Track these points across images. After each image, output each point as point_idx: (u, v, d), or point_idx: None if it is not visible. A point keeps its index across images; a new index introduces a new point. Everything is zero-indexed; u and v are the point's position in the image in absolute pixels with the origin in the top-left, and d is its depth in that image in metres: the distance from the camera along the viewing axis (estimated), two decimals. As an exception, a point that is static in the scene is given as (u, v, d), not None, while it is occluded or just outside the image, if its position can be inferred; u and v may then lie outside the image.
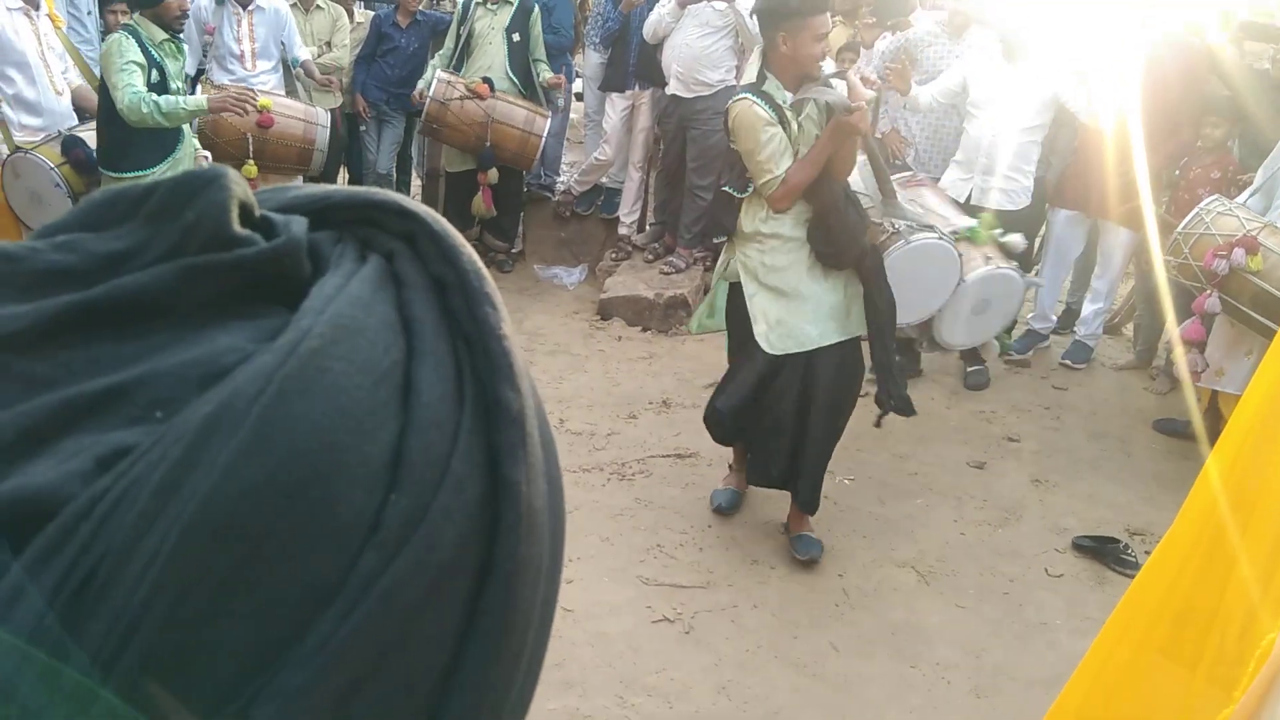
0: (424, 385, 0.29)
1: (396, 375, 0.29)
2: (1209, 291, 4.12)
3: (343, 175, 6.46)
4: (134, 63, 3.79)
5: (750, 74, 3.34)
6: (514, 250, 6.19)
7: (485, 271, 0.33)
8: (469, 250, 0.33)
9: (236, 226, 0.29)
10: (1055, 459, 4.52)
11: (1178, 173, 5.06)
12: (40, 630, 0.24)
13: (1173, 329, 4.57)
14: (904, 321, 3.77)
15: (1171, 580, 1.46)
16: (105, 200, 0.31)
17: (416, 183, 7.08)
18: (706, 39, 5.40)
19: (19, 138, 4.21)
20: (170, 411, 0.27)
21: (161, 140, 4.02)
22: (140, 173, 3.93)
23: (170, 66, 3.99)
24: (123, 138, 3.93)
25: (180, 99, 3.99)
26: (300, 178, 5.53)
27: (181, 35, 4.16)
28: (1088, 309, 5.44)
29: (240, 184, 0.30)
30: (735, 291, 3.46)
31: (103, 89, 3.95)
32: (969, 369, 5.09)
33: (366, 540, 0.28)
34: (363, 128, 6.07)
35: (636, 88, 5.99)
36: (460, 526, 0.29)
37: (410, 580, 0.28)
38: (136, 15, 4.00)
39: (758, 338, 3.34)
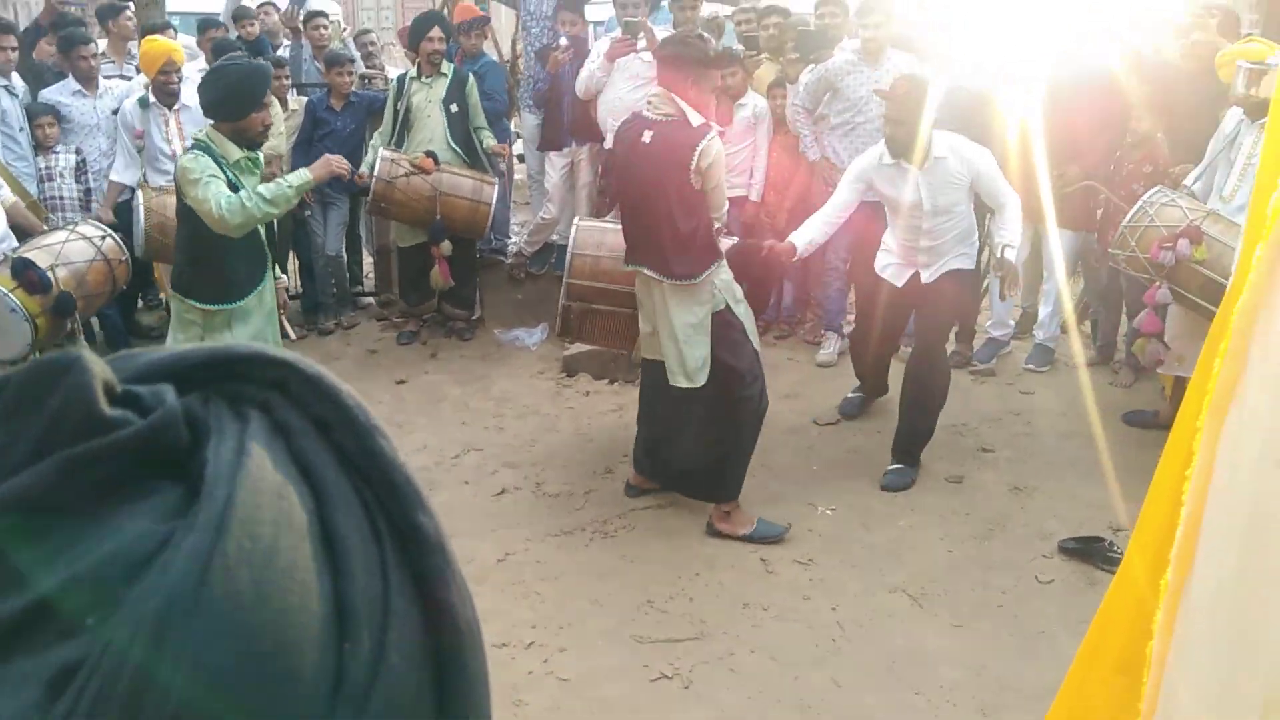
0: (343, 531, 0.29)
1: (316, 527, 0.29)
2: (1158, 283, 4.20)
3: (292, 260, 6.44)
4: (214, 175, 3.50)
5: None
6: (473, 317, 6.18)
7: (365, 404, 0.33)
8: (347, 387, 0.33)
9: (105, 408, 0.28)
10: (1031, 464, 4.55)
11: (1112, 168, 5.18)
12: None
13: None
14: None
15: (1140, 596, 1.46)
16: None
17: (368, 260, 7.07)
18: (638, 91, 5.44)
19: None
20: (102, 616, 0.25)
21: (250, 268, 3.74)
22: (232, 304, 3.72)
23: (247, 183, 3.63)
24: (211, 269, 3.68)
25: (280, 180, 3.70)
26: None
27: (259, 150, 3.78)
28: (1042, 312, 5.54)
29: (99, 363, 0.29)
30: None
31: (182, 215, 3.68)
32: (892, 465, 4.43)
33: (335, 695, 0.27)
34: (307, 212, 6.05)
35: (574, 144, 6.05)
36: (412, 660, 0.29)
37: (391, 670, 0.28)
38: (209, 129, 3.66)
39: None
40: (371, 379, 5.61)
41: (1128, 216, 4.34)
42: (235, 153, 3.61)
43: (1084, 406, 5.02)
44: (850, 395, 5.13)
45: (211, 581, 0.26)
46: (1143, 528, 1.58)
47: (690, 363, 3.74)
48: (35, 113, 5.26)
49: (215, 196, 3.46)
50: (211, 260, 3.67)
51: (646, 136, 3.62)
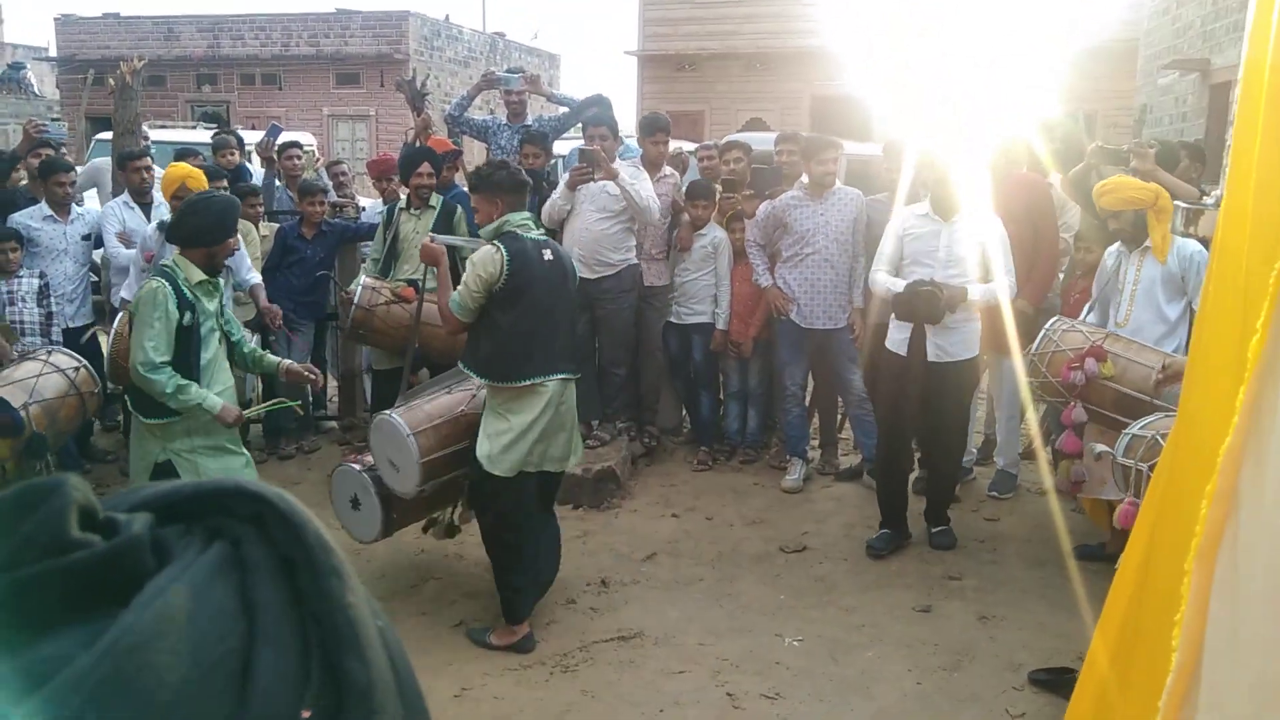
0: (262, 669, 0.29)
1: (231, 661, 0.29)
2: (1073, 404, 4.37)
3: (257, 384, 6.38)
4: (162, 319, 3.66)
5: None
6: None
7: (331, 544, 0.34)
8: (315, 525, 0.34)
9: (75, 531, 0.30)
10: (999, 593, 4.50)
11: (1057, 298, 5.34)
12: None
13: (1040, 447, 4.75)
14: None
15: (1102, 680, 1.43)
16: None
17: (332, 384, 7.04)
18: (604, 221, 5.59)
19: None
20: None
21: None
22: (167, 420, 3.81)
23: (207, 305, 3.83)
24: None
25: (201, 392, 3.75)
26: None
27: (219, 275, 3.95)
28: (1002, 438, 5.63)
29: (82, 488, 0.31)
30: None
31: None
32: (934, 529, 4.98)
33: None
34: (271, 338, 6.05)
35: None
36: None
37: None
38: (177, 255, 3.81)
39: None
40: (329, 505, 5.50)
41: (1034, 345, 4.54)
42: (198, 275, 3.79)
43: (1048, 533, 5.02)
44: (879, 534, 4.97)
45: (78, 708, 0.26)
46: (1129, 680, 1.55)
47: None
48: (2, 235, 5.28)
49: (147, 349, 3.67)
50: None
51: (548, 254, 3.94)
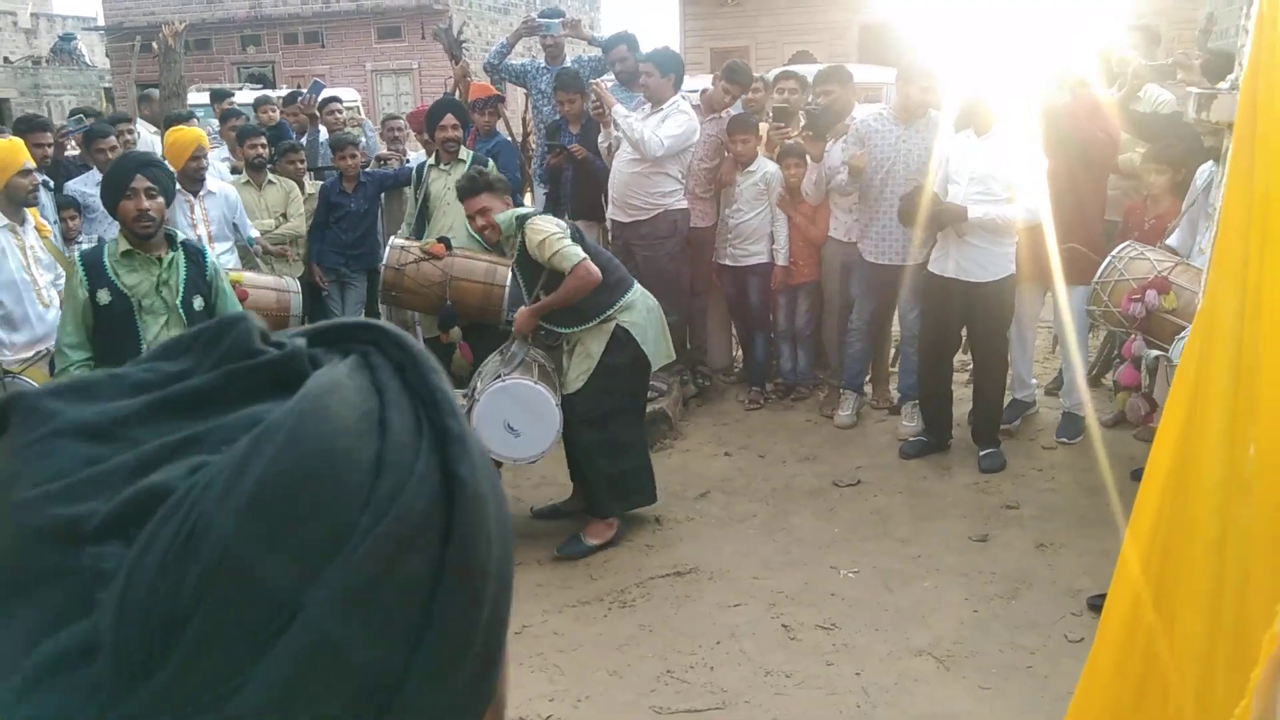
0: (393, 421, 0.42)
1: (374, 416, 0.42)
2: (1133, 335, 4.20)
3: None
4: (70, 297, 3.45)
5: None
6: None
7: (430, 355, 0.47)
8: (419, 344, 0.47)
9: (259, 344, 0.44)
10: (1057, 521, 4.46)
11: (1118, 220, 5.15)
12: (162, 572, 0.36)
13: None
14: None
15: (1123, 641, 1.43)
16: (170, 343, 0.46)
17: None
18: (635, 164, 5.51)
19: (7, 356, 4.09)
20: (230, 446, 0.39)
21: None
22: None
23: (133, 279, 3.45)
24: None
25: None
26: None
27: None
28: (1065, 377, 5.41)
29: (258, 321, 0.46)
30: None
31: None
32: (982, 452, 5.06)
33: (364, 507, 0.39)
34: (324, 293, 6.14)
35: (567, 219, 6.11)
36: (426, 500, 0.41)
37: (394, 530, 0.40)
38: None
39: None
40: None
41: (1098, 272, 4.38)
42: (124, 246, 3.47)
43: (1108, 461, 4.94)
44: (913, 439, 5.25)
45: (290, 425, 0.39)
46: (1163, 588, 1.54)
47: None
48: (60, 205, 5.40)
49: (58, 332, 3.55)
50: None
51: None
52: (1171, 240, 4.49)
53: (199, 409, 0.41)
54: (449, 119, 5.74)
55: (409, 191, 5.91)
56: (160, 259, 3.48)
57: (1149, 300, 4.11)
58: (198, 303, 3.50)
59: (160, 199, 3.42)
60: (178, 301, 3.47)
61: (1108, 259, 4.38)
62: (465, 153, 5.79)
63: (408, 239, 5.61)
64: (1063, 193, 4.66)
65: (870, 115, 5.47)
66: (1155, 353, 3.99)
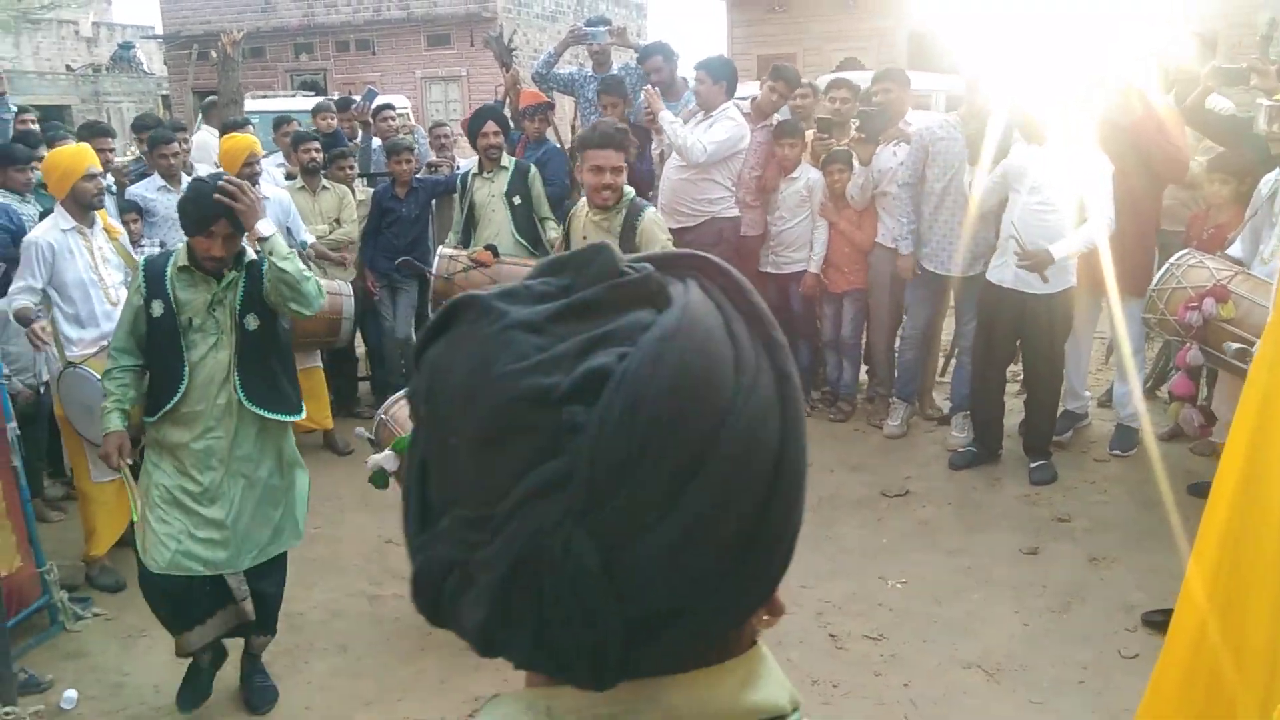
0: (739, 334, 0.54)
1: (723, 328, 0.54)
2: (1188, 344, 4.10)
3: (360, 344, 6.60)
4: (130, 300, 3.29)
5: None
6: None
7: (746, 279, 0.59)
8: (736, 271, 0.59)
9: (622, 266, 0.55)
10: (1110, 534, 4.40)
11: (1174, 230, 5.06)
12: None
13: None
14: None
15: (1188, 662, 1.41)
16: (550, 262, 0.58)
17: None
18: (683, 170, 5.53)
19: (74, 352, 4.22)
20: (633, 341, 0.51)
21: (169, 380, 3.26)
22: (148, 419, 3.28)
23: (191, 296, 3.22)
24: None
25: (108, 406, 3.23)
26: (318, 352, 5.66)
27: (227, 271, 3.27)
28: (1118, 390, 5.28)
29: (617, 249, 0.57)
30: None
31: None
32: (1033, 464, 5.00)
33: (735, 391, 0.52)
34: (376, 298, 6.23)
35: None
36: (768, 390, 0.54)
37: (755, 410, 0.52)
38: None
39: None
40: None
41: (1155, 280, 4.29)
42: (183, 260, 3.24)
43: (1163, 475, 4.86)
44: (963, 449, 5.21)
45: (682, 329, 0.51)
46: (1229, 612, 1.53)
47: None
48: (122, 209, 5.53)
49: (117, 324, 3.33)
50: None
51: None
52: (1233, 250, 4.38)
53: (592, 313, 0.53)
54: (490, 126, 5.80)
55: (456, 202, 5.96)
56: (220, 277, 3.24)
57: (1206, 309, 4.01)
58: (251, 322, 3.26)
59: (238, 237, 3.21)
60: (231, 323, 3.23)
61: (1165, 266, 4.29)
62: (508, 159, 5.83)
63: (455, 248, 5.67)
64: (1118, 200, 4.59)
65: (935, 123, 5.43)
66: (1238, 345, 3.85)
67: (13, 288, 4.26)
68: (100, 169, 4.46)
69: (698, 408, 0.50)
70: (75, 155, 4.38)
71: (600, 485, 0.49)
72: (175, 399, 3.22)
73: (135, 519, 3.30)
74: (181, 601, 3.29)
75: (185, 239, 3.25)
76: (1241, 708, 1.44)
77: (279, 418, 3.39)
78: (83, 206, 4.30)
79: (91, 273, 4.30)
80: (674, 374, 0.50)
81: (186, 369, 3.21)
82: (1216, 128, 4.97)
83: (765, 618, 0.61)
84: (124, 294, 4.39)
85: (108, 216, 4.69)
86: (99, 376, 3.85)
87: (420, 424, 0.57)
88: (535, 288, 0.56)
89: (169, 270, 3.23)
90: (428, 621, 0.58)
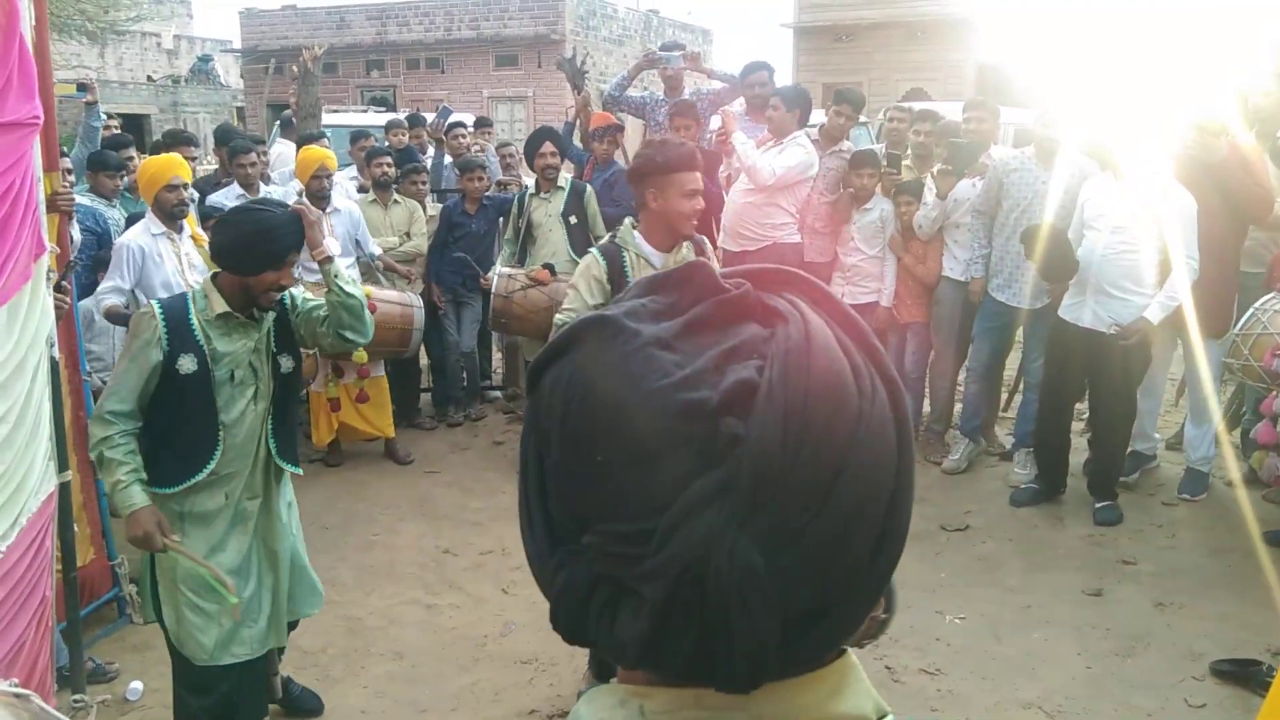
0: (846, 343, 0.57)
1: (835, 337, 0.57)
2: (1275, 392, 3.99)
3: (423, 356, 6.69)
4: (138, 355, 2.78)
5: None
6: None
7: (841, 302, 0.61)
8: (822, 284, 0.61)
9: (722, 283, 0.57)
10: (1178, 580, 4.29)
11: (1254, 271, 4.94)
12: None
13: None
14: None
15: None
16: (650, 281, 0.60)
17: (496, 355, 7.31)
18: (748, 194, 5.55)
19: None
20: (761, 355, 0.54)
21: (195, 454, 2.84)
22: (168, 489, 2.82)
23: (228, 345, 2.84)
24: (148, 434, 2.83)
25: (123, 482, 2.71)
26: (383, 362, 5.76)
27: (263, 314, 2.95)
28: (1190, 432, 5.13)
29: (713, 267, 0.60)
30: None
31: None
32: (1098, 504, 4.91)
33: (860, 399, 0.54)
34: (440, 311, 6.32)
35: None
36: (883, 395, 0.56)
37: (880, 414, 0.55)
38: (207, 280, 2.92)
39: None
40: (496, 469, 5.74)
41: (1239, 324, 4.18)
42: (221, 307, 2.83)
43: (1234, 521, 4.74)
44: (1024, 486, 5.15)
45: (807, 341, 0.54)
46: None
47: None
48: (204, 215, 5.68)
49: (107, 388, 2.80)
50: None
51: None
52: None
53: (709, 329, 0.55)
54: (547, 147, 5.89)
55: (510, 222, 6.03)
56: (259, 319, 2.91)
57: None
58: (286, 364, 2.96)
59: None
60: (268, 369, 2.92)
61: (1250, 311, 4.19)
62: (564, 179, 5.92)
63: (512, 266, 5.75)
64: (1201, 243, 4.50)
65: (1010, 155, 5.40)
66: None
67: (102, 287, 4.44)
68: (186, 180, 4.59)
69: (840, 413, 0.53)
70: (164, 165, 4.52)
71: (761, 492, 0.51)
72: (211, 465, 2.82)
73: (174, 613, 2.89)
74: (231, 697, 2.95)
75: (208, 278, 2.88)
76: None
77: (296, 471, 3.08)
78: (165, 215, 4.45)
79: (178, 276, 4.43)
80: (816, 383, 0.53)
81: (222, 430, 2.84)
82: None
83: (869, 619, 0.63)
84: None
85: (195, 224, 4.82)
86: None
87: (543, 439, 0.57)
88: (649, 305, 0.57)
89: (194, 319, 2.81)
90: (564, 640, 0.59)
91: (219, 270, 2.87)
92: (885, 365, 0.58)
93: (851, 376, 0.55)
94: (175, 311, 2.82)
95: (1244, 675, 3.50)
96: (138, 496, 2.70)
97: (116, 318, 4.35)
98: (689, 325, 0.55)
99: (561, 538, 0.57)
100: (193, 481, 2.82)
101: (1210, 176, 4.66)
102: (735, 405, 0.52)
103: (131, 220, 5.09)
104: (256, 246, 2.78)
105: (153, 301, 2.90)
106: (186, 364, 2.77)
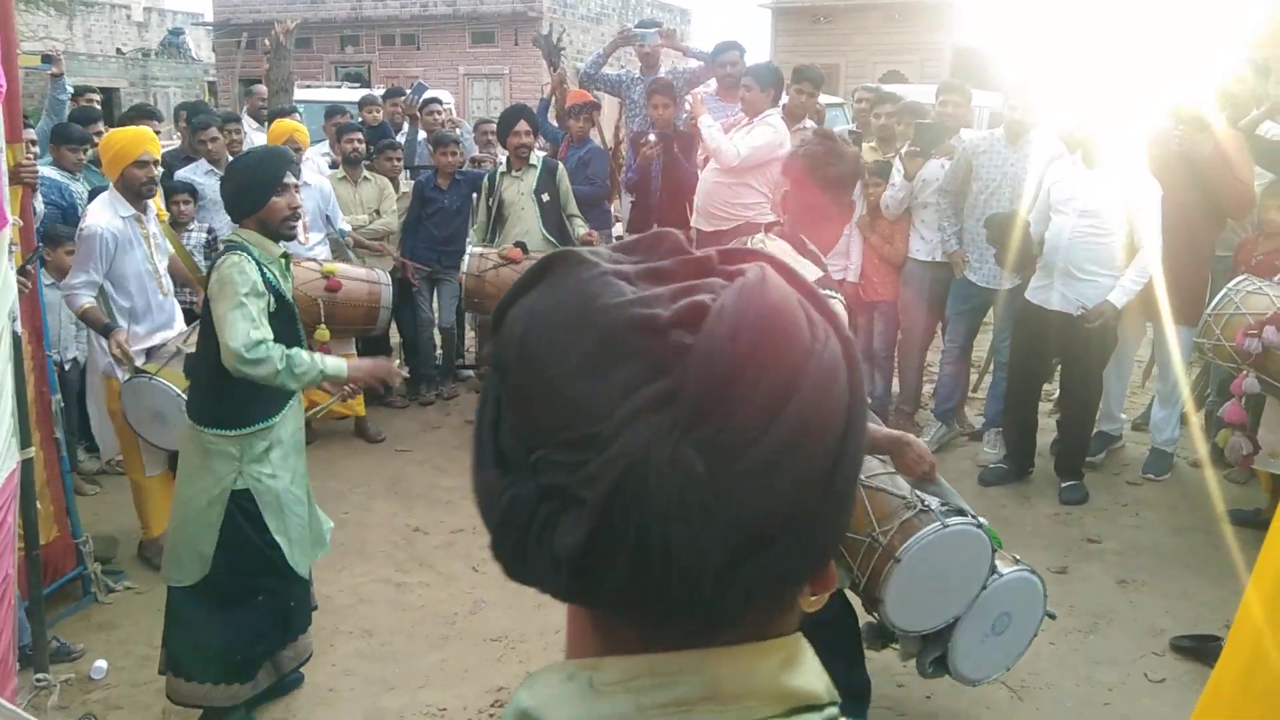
0: (806, 304, 0.57)
1: (794, 298, 0.57)
2: (1245, 372, 4.05)
3: (395, 334, 6.66)
4: (253, 297, 2.93)
5: None
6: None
7: (814, 286, 0.62)
8: (794, 264, 0.66)
9: (688, 247, 0.60)
10: (1140, 558, 4.36)
11: (1230, 253, 4.99)
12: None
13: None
14: (916, 628, 2.93)
15: (1245, 673, 1.40)
16: (624, 244, 0.61)
17: (469, 333, 7.28)
18: (719, 176, 5.54)
19: (131, 348, 4.00)
20: (716, 293, 0.55)
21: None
22: (249, 429, 3.06)
23: (284, 286, 3.11)
24: (226, 388, 2.98)
25: (318, 359, 3.00)
26: (354, 340, 5.72)
27: (291, 241, 3.22)
28: (1157, 414, 5.21)
29: (680, 237, 0.61)
30: None
31: (205, 328, 3.05)
32: (1064, 484, 4.97)
33: (812, 342, 0.55)
34: (414, 289, 6.27)
35: (656, 227, 6.12)
36: (836, 350, 0.56)
37: (830, 360, 0.55)
38: (237, 231, 3.09)
39: None
40: (467, 447, 5.61)
41: (1211, 305, 4.23)
42: (275, 250, 3.09)
43: (1196, 501, 4.82)
44: (993, 466, 5.19)
45: (761, 283, 0.55)
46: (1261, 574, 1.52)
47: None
48: (172, 190, 5.56)
49: (241, 329, 2.87)
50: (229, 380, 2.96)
51: None
52: None
53: (668, 276, 0.57)
54: (521, 125, 5.84)
55: (480, 201, 6.00)
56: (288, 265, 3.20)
57: (1268, 336, 3.94)
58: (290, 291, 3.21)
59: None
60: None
61: (1222, 291, 4.22)
62: (536, 157, 5.88)
63: (484, 246, 5.71)
64: (1175, 228, 4.55)
65: (980, 137, 5.42)
66: None
67: (74, 279, 4.08)
68: (156, 155, 4.26)
69: (787, 344, 0.54)
70: (132, 139, 4.20)
71: (705, 401, 0.52)
72: (298, 392, 3.16)
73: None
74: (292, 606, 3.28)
75: (238, 231, 3.06)
76: None
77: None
78: (132, 192, 4.13)
79: (148, 263, 4.18)
80: (766, 312, 0.54)
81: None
82: (1272, 155, 4.91)
83: (813, 597, 0.61)
84: (170, 282, 4.33)
85: (159, 201, 4.67)
86: (178, 389, 3.82)
87: (504, 370, 0.58)
88: (613, 255, 0.59)
89: (264, 264, 3.01)
90: (505, 573, 0.58)
91: (239, 230, 3.07)
92: (842, 328, 0.59)
93: (805, 320, 0.56)
94: (253, 256, 3.02)
95: (1203, 651, 3.56)
96: (336, 361, 3.08)
97: (95, 324, 4.04)
98: (653, 270, 0.57)
99: (511, 466, 0.57)
100: (287, 408, 3.17)
101: (1191, 170, 4.71)
102: (688, 321, 0.53)
103: (95, 194, 4.97)
104: (253, 181, 3.03)
105: (234, 255, 2.99)
106: (272, 305, 3.02)
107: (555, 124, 6.84)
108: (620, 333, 0.54)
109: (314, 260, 5.42)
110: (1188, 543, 4.48)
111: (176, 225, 5.53)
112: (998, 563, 2.93)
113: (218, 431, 3.04)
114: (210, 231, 5.62)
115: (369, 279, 5.48)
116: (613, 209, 6.99)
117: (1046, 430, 5.39)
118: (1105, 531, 4.60)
